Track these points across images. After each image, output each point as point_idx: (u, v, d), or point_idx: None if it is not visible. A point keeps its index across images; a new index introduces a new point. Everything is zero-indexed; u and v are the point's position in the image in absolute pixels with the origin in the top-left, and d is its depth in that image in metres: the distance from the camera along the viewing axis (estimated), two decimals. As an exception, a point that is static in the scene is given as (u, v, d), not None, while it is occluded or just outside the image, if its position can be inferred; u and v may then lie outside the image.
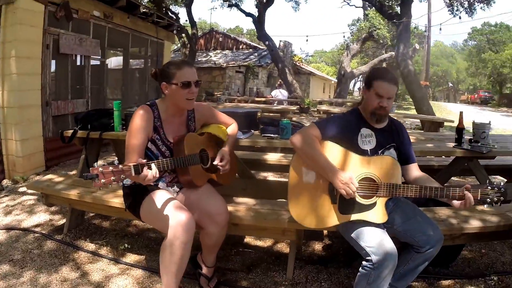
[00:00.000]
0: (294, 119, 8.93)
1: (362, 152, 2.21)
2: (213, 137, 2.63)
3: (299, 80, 24.44)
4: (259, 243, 3.31)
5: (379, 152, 2.27)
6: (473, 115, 23.85)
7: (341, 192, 2.04)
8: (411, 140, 3.68)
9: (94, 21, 7.26)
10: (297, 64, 26.02)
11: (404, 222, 2.22)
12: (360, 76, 29.40)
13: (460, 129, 3.42)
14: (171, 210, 2.12)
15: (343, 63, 21.02)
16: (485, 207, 2.08)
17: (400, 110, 19.58)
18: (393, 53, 20.89)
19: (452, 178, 5.22)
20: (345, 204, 2.11)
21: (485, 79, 42.32)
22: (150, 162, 1.98)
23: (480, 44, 41.32)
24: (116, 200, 2.85)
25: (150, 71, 2.52)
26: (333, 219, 2.14)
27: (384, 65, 25.98)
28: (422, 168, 4.48)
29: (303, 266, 2.88)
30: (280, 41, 19.18)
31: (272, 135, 3.21)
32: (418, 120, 10.42)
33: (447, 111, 24.71)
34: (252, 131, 3.43)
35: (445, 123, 8.58)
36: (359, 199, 2.10)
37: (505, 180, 4.64)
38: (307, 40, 46.07)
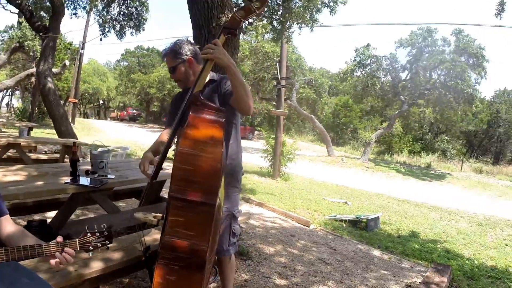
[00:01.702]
0: None
1: None
2: None
3: None
4: None
5: None
6: (123, 131, 25.25)
7: None
8: (21, 178, 3.10)
9: None
10: None
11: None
12: (6, 91, 25.87)
13: (74, 161, 3.04)
14: None
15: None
16: (90, 255, 1.84)
17: (47, 129, 18.08)
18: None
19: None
20: None
21: (134, 98, 45.83)
22: None
23: (131, 65, 44.37)
24: None
25: None
26: None
27: (32, 79, 23.78)
28: (46, 202, 3.99)
29: None
30: None
31: None
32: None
33: (95, 128, 25.16)
34: None
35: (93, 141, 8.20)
36: None
37: (138, 201, 4.62)
38: None
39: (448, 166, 23.26)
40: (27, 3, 13.10)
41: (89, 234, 1.83)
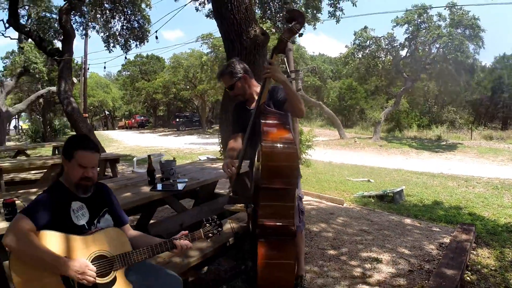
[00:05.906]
0: None
1: (80, 229, 2.03)
2: None
3: None
4: None
5: (95, 221, 2.13)
6: (137, 138, 25.84)
7: (83, 283, 1.85)
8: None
9: None
10: None
11: (142, 284, 2.14)
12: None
13: (151, 171, 3.58)
14: None
15: (-4, 101, 18.46)
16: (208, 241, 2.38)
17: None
18: (51, 88, 19.81)
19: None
20: (84, 292, 1.91)
21: (140, 105, 46.36)
22: None
23: (133, 74, 44.83)
24: None
25: None
26: (78, 310, 1.89)
27: (41, 100, 24.32)
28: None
29: None
30: None
31: None
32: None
33: (109, 139, 25.82)
34: None
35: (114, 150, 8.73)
36: (98, 281, 1.92)
37: (193, 200, 5.04)
38: None
39: (458, 136, 23.66)
40: (35, 30, 13.67)
41: (207, 225, 2.22)
